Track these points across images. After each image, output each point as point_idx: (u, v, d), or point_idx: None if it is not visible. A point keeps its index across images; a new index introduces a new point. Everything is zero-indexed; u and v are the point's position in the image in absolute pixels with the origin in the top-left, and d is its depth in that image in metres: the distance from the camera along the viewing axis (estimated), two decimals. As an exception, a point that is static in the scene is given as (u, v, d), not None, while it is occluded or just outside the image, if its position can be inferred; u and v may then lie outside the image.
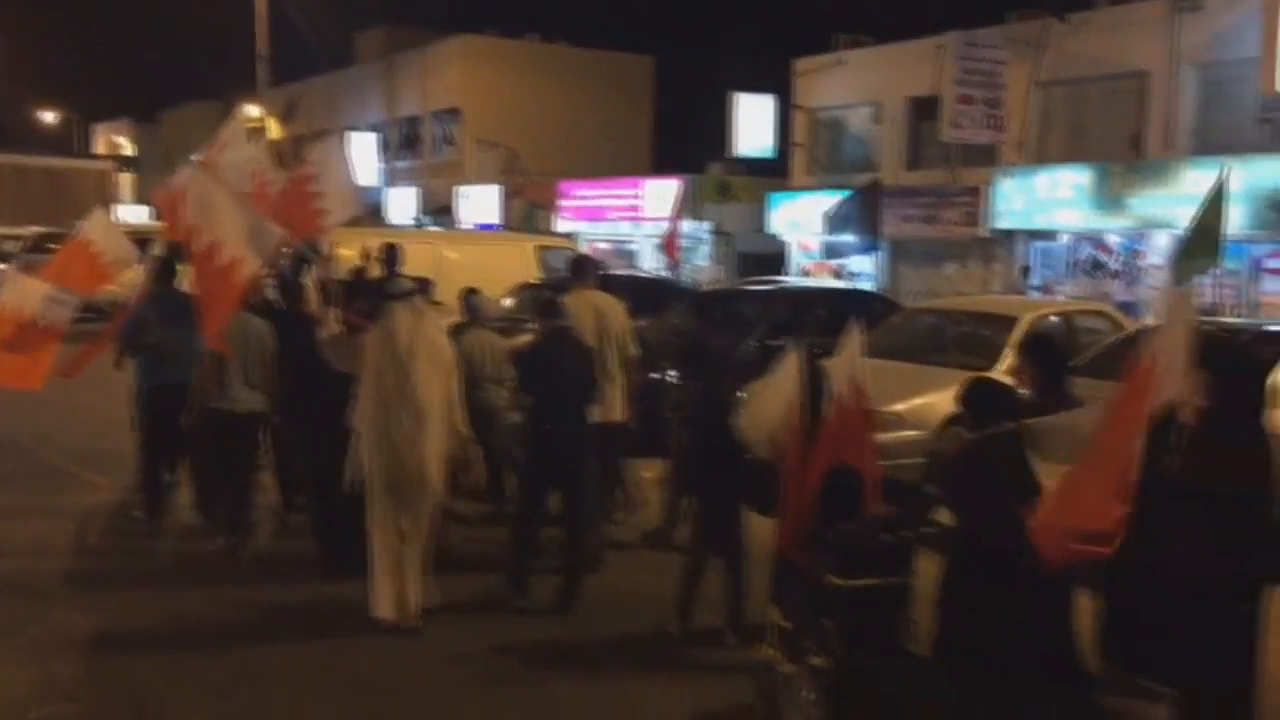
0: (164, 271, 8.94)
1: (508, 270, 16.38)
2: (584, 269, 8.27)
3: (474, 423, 7.37)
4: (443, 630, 6.57)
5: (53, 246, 27.19)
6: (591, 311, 7.96)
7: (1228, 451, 4.27)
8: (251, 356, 7.91)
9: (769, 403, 5.82)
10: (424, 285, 8.01)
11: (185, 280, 8.23)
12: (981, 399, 5.03)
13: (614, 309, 8.13)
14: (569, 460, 6.97)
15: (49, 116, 61.17)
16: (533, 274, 16.67)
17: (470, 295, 9.10)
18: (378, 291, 7.22)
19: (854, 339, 5.65)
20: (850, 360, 5.61)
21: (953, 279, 22.96)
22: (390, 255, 11.56)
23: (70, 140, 59.69)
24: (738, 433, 6.03)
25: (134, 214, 44.49)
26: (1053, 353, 5.70)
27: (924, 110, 24.60)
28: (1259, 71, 17.85)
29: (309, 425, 7.53)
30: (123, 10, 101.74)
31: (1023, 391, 5.42)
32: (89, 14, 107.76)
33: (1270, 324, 10.24)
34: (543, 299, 7.51)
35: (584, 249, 23.56)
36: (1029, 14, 22.80)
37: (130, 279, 9.32)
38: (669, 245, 18.19)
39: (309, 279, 8.86)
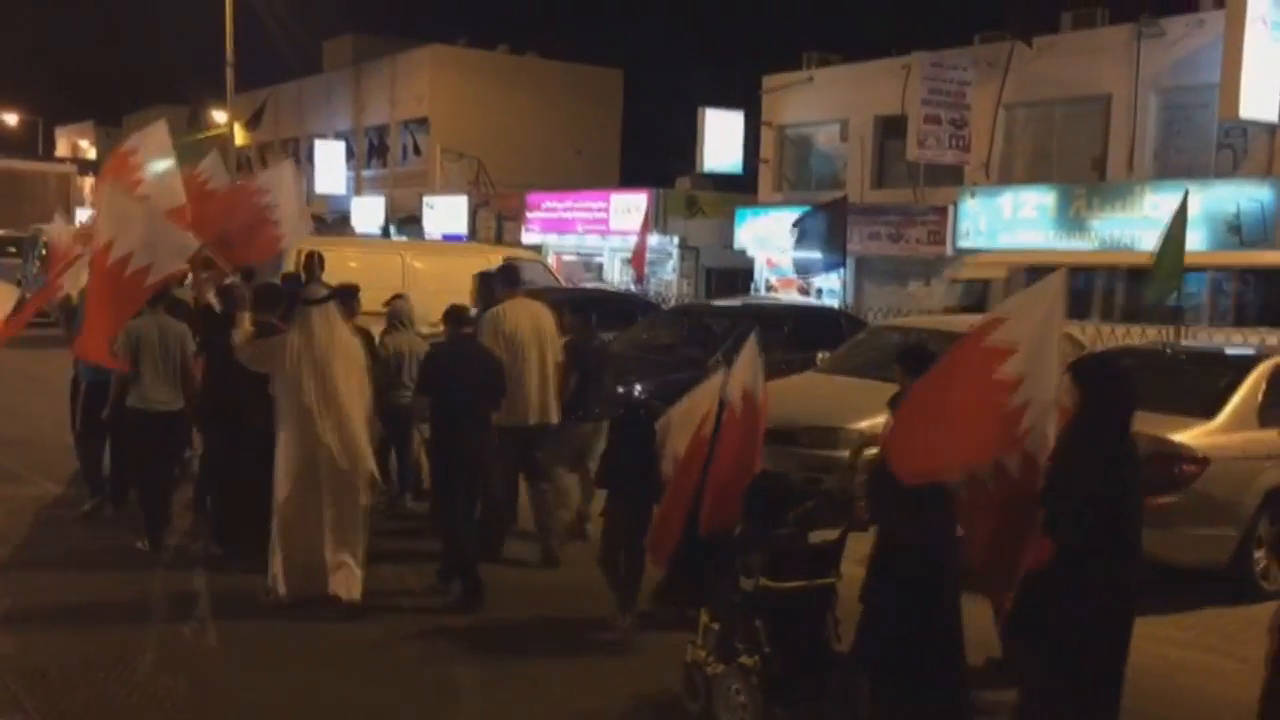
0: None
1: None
2: (516, 277, 8.46)
3: (388, 423, 7.96)
4: (364, 619, 6.80)
5: (12, 250, 26.88)
6: (529, 317, 8.18)
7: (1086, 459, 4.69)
8: (169, 358, 8.15)
9: (682, 414, 6.30)
10: (348, 292, 8.64)
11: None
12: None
13: (546, 316, 8.38)
14: (473, 461, 7.29)
15: (10, 119, 60.41)
16: (500, 286, 16.63)
17: (395, 301, 9.35)
18: (294, 297, 7.47)
19: (751, 350, 6.04)
20: (747, 371, 6.01)
21: (917, 297, 23.13)
22: (310, 263, 11.78)
23: (32, 143, 58.98)
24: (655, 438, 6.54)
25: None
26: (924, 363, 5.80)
27: (891, 129, 24.81)
28: (1219, 97, 18.15)
29: (225, 423, 7.78)
30: (87, 13, 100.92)
31: None
32: (53, 16, 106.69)
33: (1233, 349, 10.37)
34: (451, 307, 7.78)
35: (550, 261, 23.56)
36: (994, 36, 23.07)
37: (79, 280, 9.48)
38: (637, 260, 18.24)
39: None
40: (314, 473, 6.81)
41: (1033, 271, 20.54)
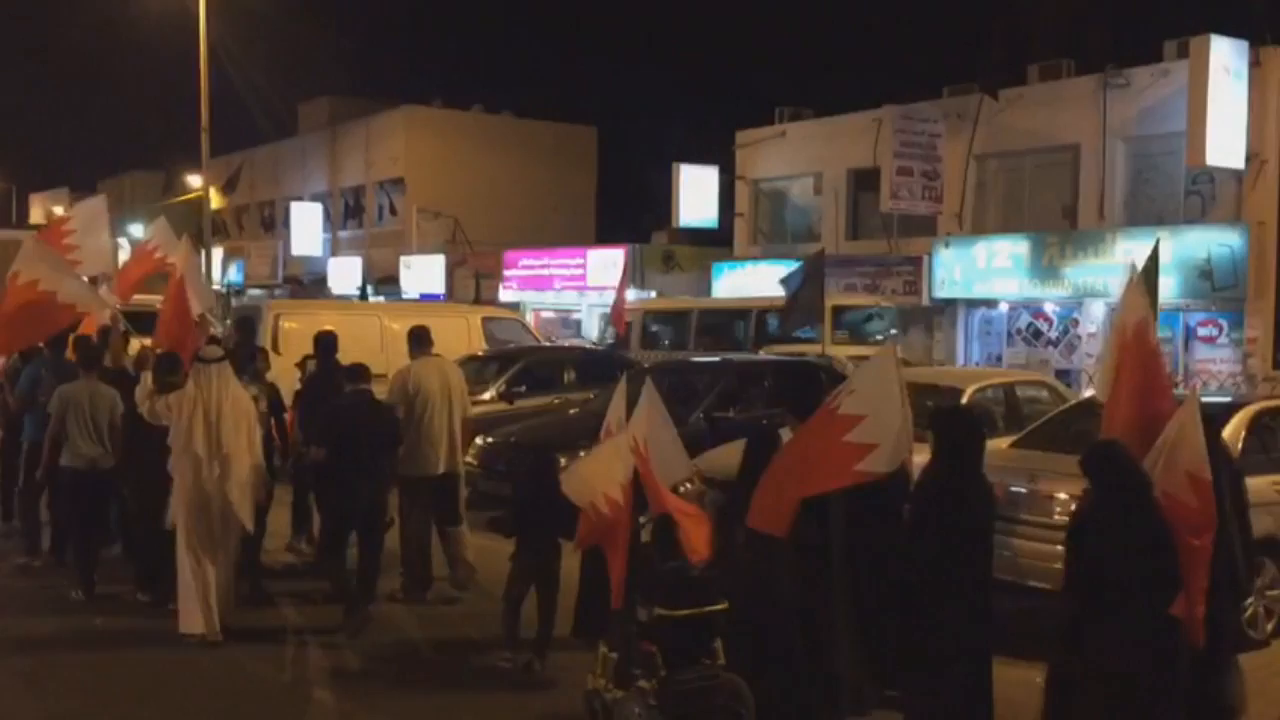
0: (57, 338, 10.16)
1: (453, 342, 16.28)
2: (425, 339, 9.15)
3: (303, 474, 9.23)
4: (252, 651, 7.53)
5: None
6: (438, 374, 8.89)
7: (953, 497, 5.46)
8: (99, 419, 8.81)
9: (599, 462, 6.76)
10: (253, 354, 9.95)
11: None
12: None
13: (455, 373, 9.19)
14: (365, 509, 8.09)
15: (-17, 186, 60.25)
16: (478, 345, 16.60)
17: (307, 360, 10.44)
18: (192, 357, 8.35)
19: (650, 395, 6.64)
20: (647, 418, 6.60)
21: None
22: (244, 325, 13.04)
23: (5, 210, 58.80)
24: (561, 485, 6.99)
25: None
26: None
27: (864, 181, 25.05)
28: (1185, 145, 18.41)
29: (136, 474, 8.53)
30: (61, 79, 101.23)
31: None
32: (27, 82, 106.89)
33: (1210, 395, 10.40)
34: (347, 365, 8.68)
35: (529, 319, 23.55)
36: (963, 89, 23.39)
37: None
38: (616, 317, 18.25)
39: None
40: (207, 517, 7.56)
41: (650, 314, 22.10)
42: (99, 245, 10.15)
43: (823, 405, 5.91)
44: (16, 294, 9.64)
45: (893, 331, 20.40)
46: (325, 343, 10.08)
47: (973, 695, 5.48)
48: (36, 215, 62.64)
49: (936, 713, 5.46)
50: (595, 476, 6.69)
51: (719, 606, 5.65)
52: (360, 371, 8.45)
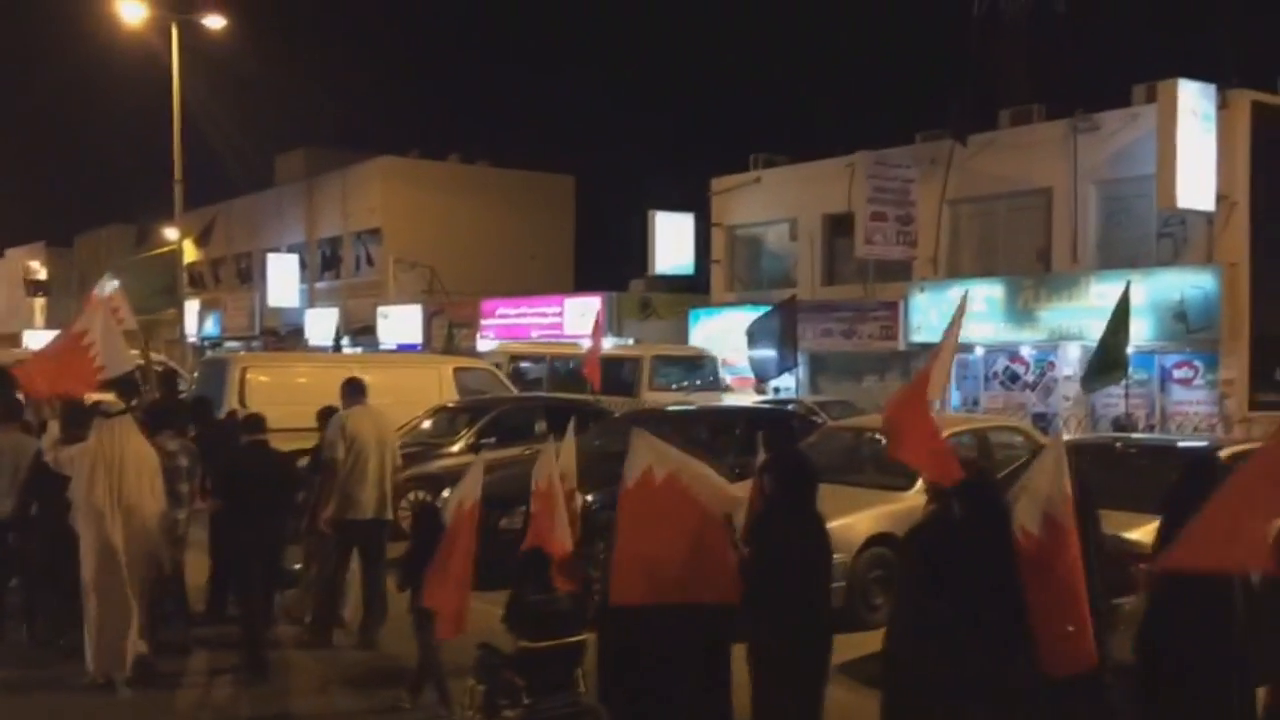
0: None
1: (425, 392, 16.13)
2: (359, 390, 9.51)
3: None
4: (156, 697, 7.73)
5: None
6: (371, 424, 9.22)
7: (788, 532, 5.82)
8: (10, 470, 8.88)
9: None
10: (176, 410, 10.17)
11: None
12: None
13: (386, 421, 9.60)
14: (263, 556, 8.47)
15: (-41, 241, 60.02)
16: (450, 395, 16.42)
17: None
18: (94, 410, 8.63)
19: (568, 441, 7.20)
20: (561, 458, 7.00)
21: (872, 392, 23.13)
22: (169, 379, 13.77)
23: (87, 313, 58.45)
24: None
25: (45, 339, 43.44)
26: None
27: (839, 227, 25.08)
28: (1156, 188, 18.49)
29: (43, 523, 8.66)
30: (36, 135, 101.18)
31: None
32: (3, 137, 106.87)
33: (1180, 439, 10.33)
34: (244, 416, 9.17)
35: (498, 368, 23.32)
36: (935, 135, 23.50)
37: None
38: (590, 368, 18.07)
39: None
40: (112, 564, 7.72)
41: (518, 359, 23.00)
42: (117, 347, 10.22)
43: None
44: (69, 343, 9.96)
45: (712, 378, 21.92)
46: (200, 405, 11.31)
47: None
48: (13, 270, 62.31)
49: None
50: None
51: (580, 637, 6.13)
52: (255, 422, 9.06)
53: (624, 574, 6.02)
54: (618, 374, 20.19)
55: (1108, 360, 12.55)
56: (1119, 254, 20.55)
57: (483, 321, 32.06)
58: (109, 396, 11.22)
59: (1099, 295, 18.71)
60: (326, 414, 9.74)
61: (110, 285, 12.64)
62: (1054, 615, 5.29)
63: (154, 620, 8.23)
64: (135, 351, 13.17)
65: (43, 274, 60.28)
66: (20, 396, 9.98)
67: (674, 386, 20.93)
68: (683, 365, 22.32)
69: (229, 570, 9.16)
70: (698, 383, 21.42)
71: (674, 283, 30.27)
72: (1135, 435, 11.29)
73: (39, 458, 8.51)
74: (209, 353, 35.44)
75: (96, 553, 7.74)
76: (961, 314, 7.36)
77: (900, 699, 5.59)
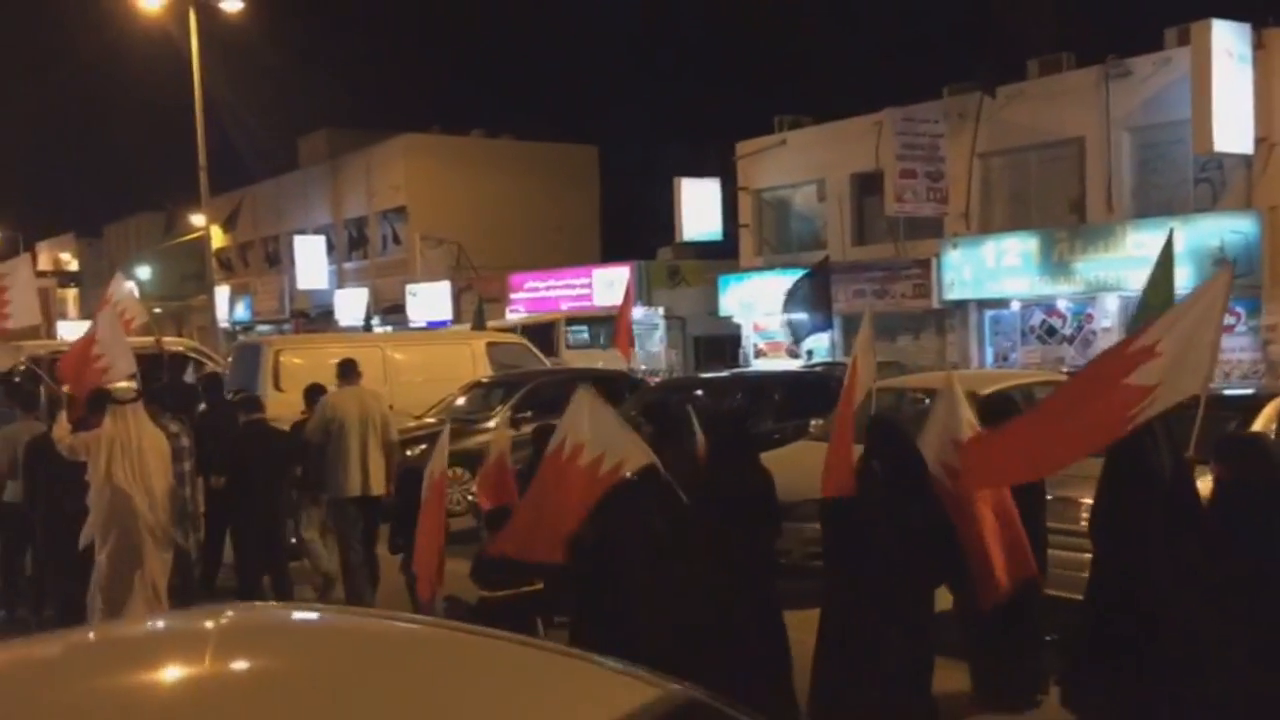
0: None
1: (458, 368, 16.07)
2: (352, 371, 9.84)
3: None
4: None
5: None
6: (356, 403, 9.51)
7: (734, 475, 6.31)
8: (5, 456, 9.22)
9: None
10: (183, 392, 10.66)
11: None
12: None
13: (376, 400, 9.82)
14: (263, 530, 8.87)
15: (-10, 236, 60.42)
16: (484, 371, 16.36)
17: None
18: (108, 397, 8.70)
19: (585, 399, 6.55)
20: (579, 419, 6.47)
21: (908, 351, 22.94)
22: (176, 363, 14.06)
23: (13, 258, 58.94)
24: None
25: (78, 330, 43.80)
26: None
27: (868, 186, 24.79)
28: (1192, 132, 18.11)
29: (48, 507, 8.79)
30: (64, 125, 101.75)
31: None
32: (30, 130, 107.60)
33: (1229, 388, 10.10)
34: (243, 395, 9.71)
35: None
36: (963, 88, 23.12)
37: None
38: (621, 339, 17.96)
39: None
40: (129, 539, 7.87)
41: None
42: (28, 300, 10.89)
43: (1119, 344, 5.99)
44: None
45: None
46: (212, 383, 11.77)
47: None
48: (45, 262, 62.78)
49: None
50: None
51: (535, 587, 6.55)
52: (253, 402, 9.63)
53: (510, 530, 6.57)
54: (545, 336, 22.55)
55: (1153, 311, 12.25)
56: (1155, 202, 20.19)
57: (511, 295, 31.98)
58: (122, 384, 11.42)
59: (1136, 245, 18.42)
60: (311, 391, 10.12)
61: (125, 286, 12.92)
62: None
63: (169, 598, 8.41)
64: (150, 339, 13.85)
65: (74, 265, 60.72)
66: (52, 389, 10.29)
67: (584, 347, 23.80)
68: (592, 326, 24.54)
69: (220, 544, 9.56)
70: (601, 341, 23.19)
71: (702, 249, 30.07)
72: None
73: (34, 444, 8.73)
74: (240, 337, 35.60)
75: (113, 530, 7.88)
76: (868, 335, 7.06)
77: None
